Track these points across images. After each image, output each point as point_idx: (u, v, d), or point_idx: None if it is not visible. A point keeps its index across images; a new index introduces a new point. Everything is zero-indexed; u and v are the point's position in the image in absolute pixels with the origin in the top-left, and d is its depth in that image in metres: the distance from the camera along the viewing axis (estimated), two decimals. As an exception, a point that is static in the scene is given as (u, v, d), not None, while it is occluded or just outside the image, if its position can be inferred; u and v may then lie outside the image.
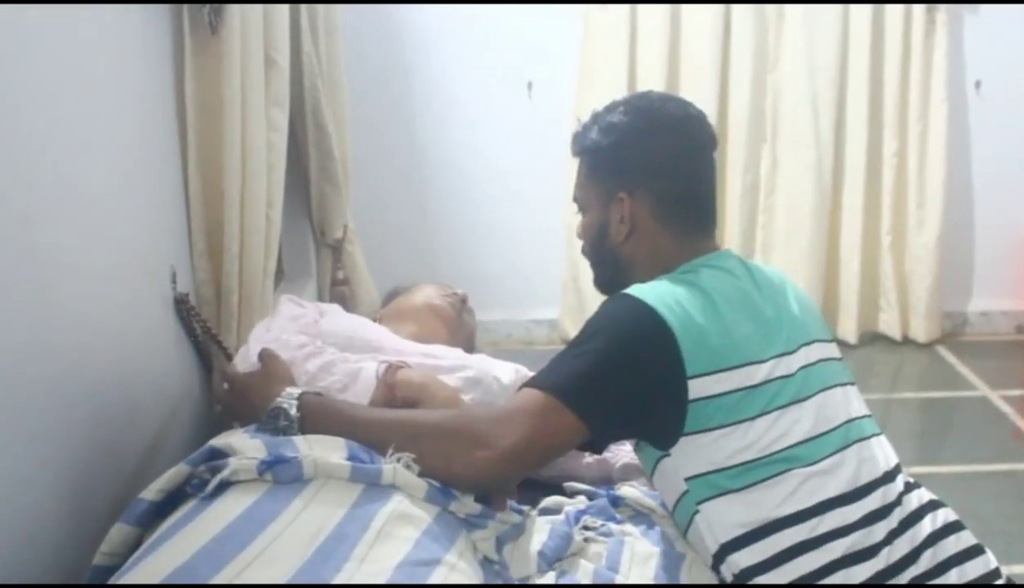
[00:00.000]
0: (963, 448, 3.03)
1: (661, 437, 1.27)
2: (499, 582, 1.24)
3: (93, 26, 1.37)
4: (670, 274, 1.36)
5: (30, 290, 1.16)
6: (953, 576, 1.26)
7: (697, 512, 1.25)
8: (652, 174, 1.41)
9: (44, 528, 1.19)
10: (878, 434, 1.37)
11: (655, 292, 1.29)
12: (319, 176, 2.76)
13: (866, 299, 3.89)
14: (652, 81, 3.59)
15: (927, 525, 1.29)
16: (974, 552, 1.29)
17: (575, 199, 1.52)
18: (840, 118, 3.74)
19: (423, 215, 3.85)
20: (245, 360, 1.56)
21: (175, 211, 1.71)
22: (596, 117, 1.47)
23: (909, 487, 1.34)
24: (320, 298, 2.92)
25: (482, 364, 1.71)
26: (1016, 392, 3.43)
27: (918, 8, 3.64)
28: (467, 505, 1.26)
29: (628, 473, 1.62)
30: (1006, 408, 3.28)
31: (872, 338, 3.93)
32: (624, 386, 1.25)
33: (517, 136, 3.79)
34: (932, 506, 1.33)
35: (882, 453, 1.34)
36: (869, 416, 1.38)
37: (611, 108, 1.46)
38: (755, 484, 1.23)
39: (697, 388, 1.23)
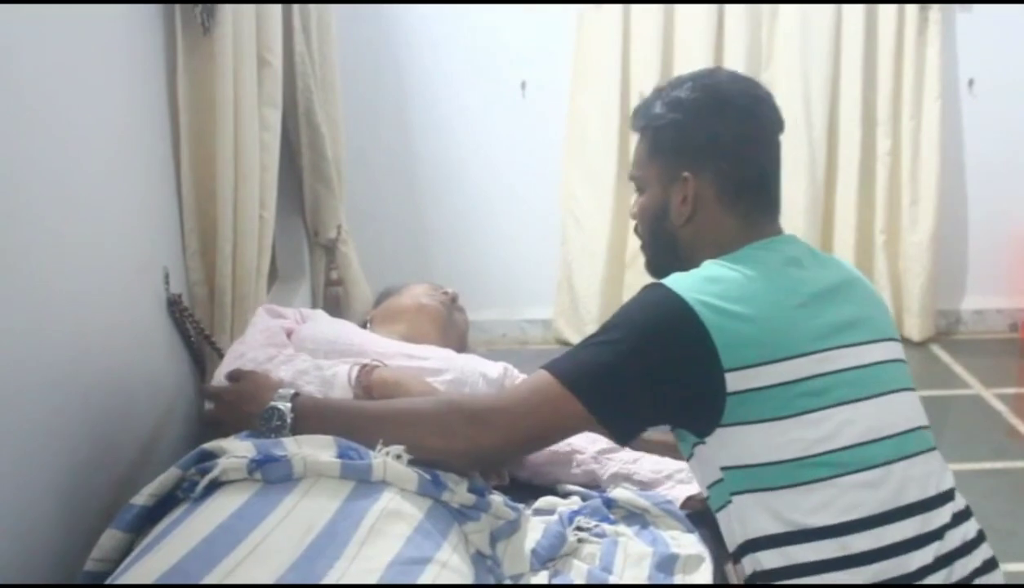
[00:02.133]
0: (957, 446, 3.03)
1: (697, 426, 1.22)
2: (491, 579, 1.24)
3: (85, 26, 1.36)
4: (717, 259, 1.28)
5: (22, 292, 1.15)
6: None
7: (730, 502, 1.20)
8: (719, 153, 1.33)
9: (37, 530, 1.19)
10: (933, 448, 1.28)
11: (691, 282, 1.23)
12: (312, 176, 2.76)
13: (860, 297, 3.89)
14: (646, 80, 3.57)
15: (964, 567, 1.21)
16: None
17: (632, 178, 1.43)
18: (833, 116, 3.74)
19: (417, 215, 3.84)
20: (220, 376, 1.55)
21: (168, 212, 1.71)
22: (660, 92, 1.38)
23: (957, 519, 1.24)
24: (314, 298, 2.92)
25: (468, 364, 1.69)
26: (1010, 390, 3.43)
27: (911, 6, 3.65)
28: (460, 495, 1.24)
29: (617, 482, 1.59)
30: (1000, 406, 3.29)
31: (866, 336, 3.92)
32: (642, 380, 1.20)
33: (511, 136, 3.78)
34: (974, 544, 1.24)
35: (936, 473, 1.25)
36: (928, 427, 1.29)
37: (676, 84, 1.37)
38: (792, 486, 1.17)
39: (736, 381, 1.17)
